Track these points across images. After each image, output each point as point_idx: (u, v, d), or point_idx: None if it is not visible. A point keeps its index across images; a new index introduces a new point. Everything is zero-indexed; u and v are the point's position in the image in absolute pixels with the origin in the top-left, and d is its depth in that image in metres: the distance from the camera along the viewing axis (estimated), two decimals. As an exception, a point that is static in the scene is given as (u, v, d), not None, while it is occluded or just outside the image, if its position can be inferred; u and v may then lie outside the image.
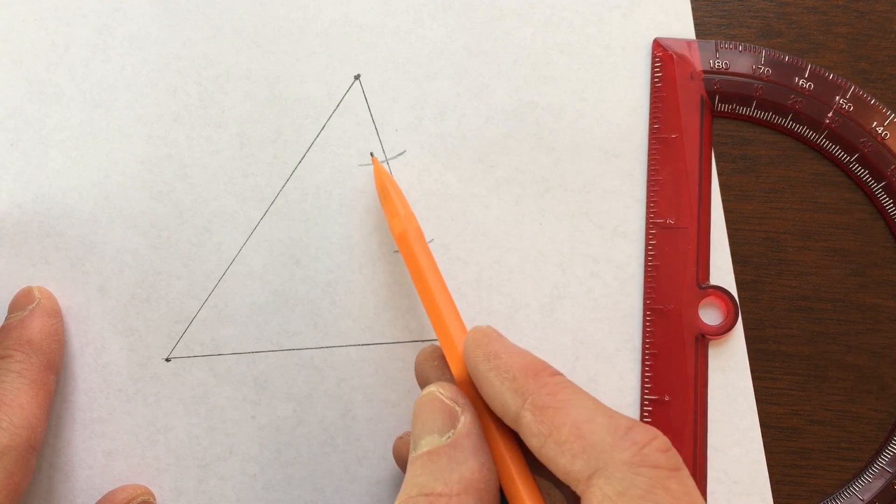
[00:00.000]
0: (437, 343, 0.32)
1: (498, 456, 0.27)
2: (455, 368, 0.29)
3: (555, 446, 0.24)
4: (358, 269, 0.36)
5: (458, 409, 0.27)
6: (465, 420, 0.26)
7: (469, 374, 0.28)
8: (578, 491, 0.23)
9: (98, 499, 0.35)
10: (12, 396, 0.32)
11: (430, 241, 0.36)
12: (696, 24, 0.37)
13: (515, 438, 0.27)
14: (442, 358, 0.31)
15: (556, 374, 0.26)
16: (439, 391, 0.27)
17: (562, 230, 0.36)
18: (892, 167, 0.36)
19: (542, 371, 0.26)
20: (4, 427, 0.31)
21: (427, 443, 0.26)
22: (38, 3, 0.37)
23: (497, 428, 0.27)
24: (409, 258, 0.32)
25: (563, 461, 0.24)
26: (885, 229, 0.37)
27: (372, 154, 0.36)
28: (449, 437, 0.26)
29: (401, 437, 0.35)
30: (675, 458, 0.24)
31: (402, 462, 0.34)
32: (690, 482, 0.24)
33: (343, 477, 0.36)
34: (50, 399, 0.34)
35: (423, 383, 0.32)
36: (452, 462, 0.25)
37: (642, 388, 0.36)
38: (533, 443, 0.25)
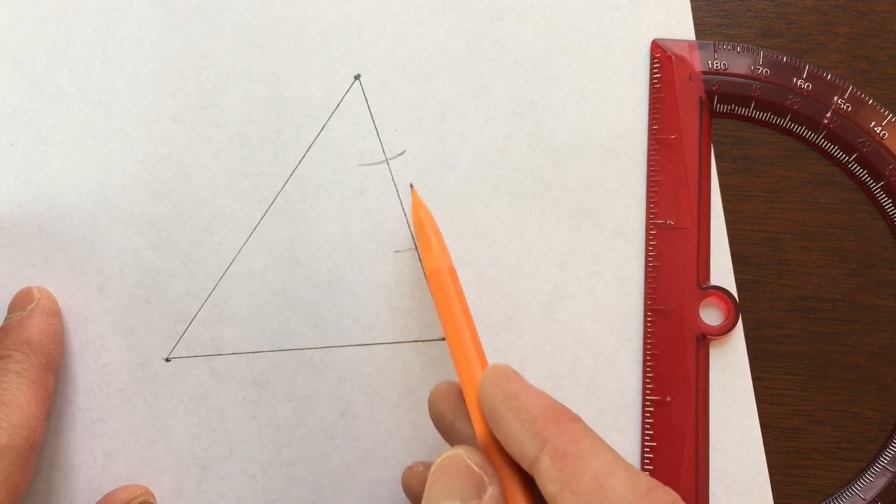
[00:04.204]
0: (452, 380, 0.31)
1: None
2: (475, 411, 0.28)
3: (572, 496, 0.23)
4: (358, 269, 0.36)
5: (485, 478, 0.26)
6: (492, 492, 0.26)
7: (485, 413, 0.27)
8: None
9: (98, 499, 0.35)
10: (12, 396, 0.32)
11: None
12: (695, 25, 0.37)
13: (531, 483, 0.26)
14: (458, 395, 0.30)
15: (577, 419, 0.26)
16: (467, 456, 0.26)
17: (562, 230, 0.36)
18: (891, 167, 0.36)
19: (563, 415, 0.25)
20: (4, 427, 0.31)
21: None
22: (38, 3, 0.37)
23: (523, 501, 0.26)
24: (439, 296, 0.31)
25: None
26: (885, 229, 0.37)
27: (412, 185, 0.36)
28: None
29: (410, 468, 0.33)
30: None
31: (411, 494, 0.33)
32: None
33: (343, 477, 0.36)
34: (49, 399, 0.34)
35: (437, 420, 0.31)
36: None
37: (644, 388, 0.36)
38: (549, 489, 0.24)
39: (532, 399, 0.26)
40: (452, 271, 0.32)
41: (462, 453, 0.26)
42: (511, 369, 0.28)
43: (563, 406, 0.26)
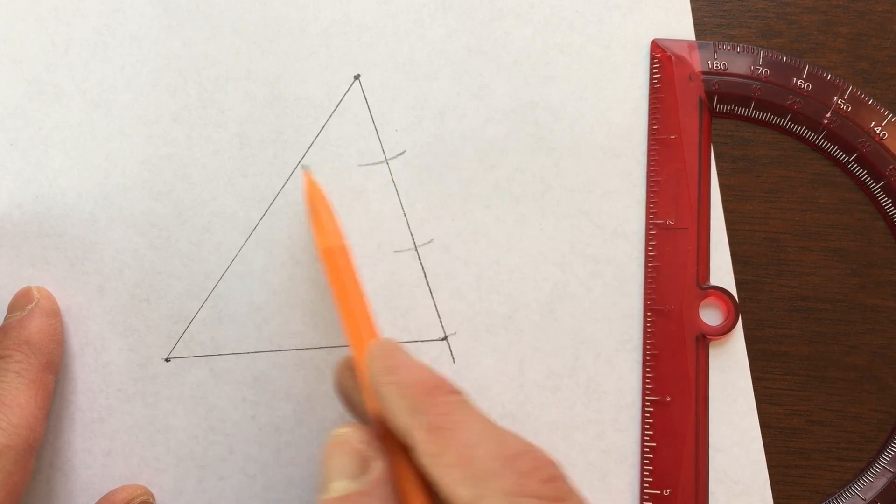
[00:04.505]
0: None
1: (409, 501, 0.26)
2: (365, 387, 0.28)
3: (441, 469, 0.23)
4: (358, 269, 0.36)
5: (371, 455, 0.26)
6: (378, 467, 0.26)
7: (372, 388, 0.27)
8: None
9: (98, 499, 0.35)
10: (11, 396, 0.32)
11: (429, 242, 0.36)
12: (695, 25, 0.37)
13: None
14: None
15: (453, 392, 0.26)
16: (352, 434, 0.27)
17: (562, 230, 0.36)
18: (891, 167, 0.36)
19: (437, 389, 0.25)
20: (3, 427, 0.31)
21: (338, 487, 0.25)
22: (38, 3, 0.37)
23: (410, 473, 0.26)
24: (332, 273, 0.31)
25: (449, 484, 0.23)
26: (885, 229, 0.37)
27: (304, 167, 0.36)
28: (361, 483, 0.25)
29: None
30: (559, 488, 0.23)
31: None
32: None
33: (343, 477, 0.36)
34: (49, 399, 0.34)
35: (340, 395, 0.31)
36: None
37: (643, 389, 0.36)
38: (422, 462, 0.24)
39: (410, 373, 0.26)
40: (344, 250, 0.32)
41: (347, 431, 0.27)
42: (394, 344, 0.28)
43: (440, 379, 0.26)
